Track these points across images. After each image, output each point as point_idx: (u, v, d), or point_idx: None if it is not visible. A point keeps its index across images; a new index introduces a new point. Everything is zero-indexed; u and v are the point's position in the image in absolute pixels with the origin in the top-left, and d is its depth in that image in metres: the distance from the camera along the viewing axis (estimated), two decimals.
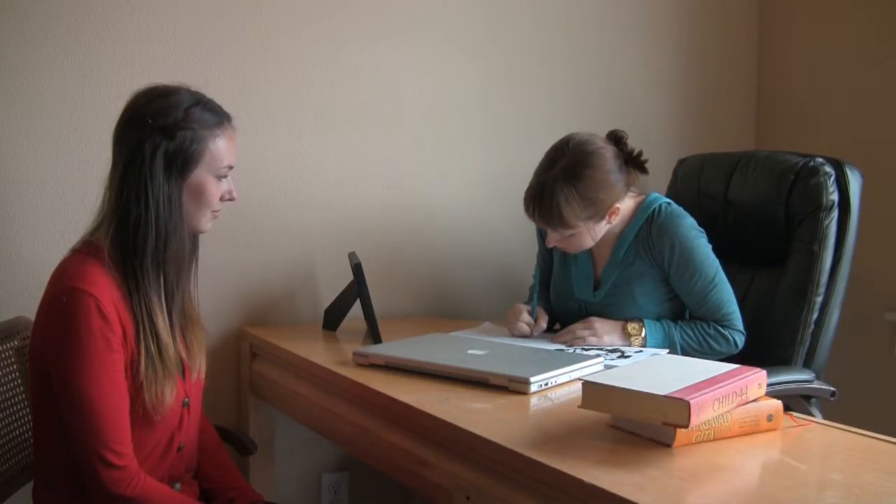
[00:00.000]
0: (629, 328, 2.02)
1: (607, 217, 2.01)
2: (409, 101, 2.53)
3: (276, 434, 2.34)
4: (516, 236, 2.59)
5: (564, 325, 2.13)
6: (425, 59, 2.55)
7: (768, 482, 1.23)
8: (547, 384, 1.61)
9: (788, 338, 2.12)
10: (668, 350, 1.99)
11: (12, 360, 1.80)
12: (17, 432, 1.77)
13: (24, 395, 1.79)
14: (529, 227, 2.29)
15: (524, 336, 2.10)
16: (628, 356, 1.89)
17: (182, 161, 1.51)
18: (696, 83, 2.96)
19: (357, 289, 2.12)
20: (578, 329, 2.03)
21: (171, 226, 1.50)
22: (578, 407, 1.34)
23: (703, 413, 1.25)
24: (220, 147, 1.55)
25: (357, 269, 2.09)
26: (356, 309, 2.17)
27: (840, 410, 1.99)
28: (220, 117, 1.57)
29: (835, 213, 2.14)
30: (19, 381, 1.80)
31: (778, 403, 1.39)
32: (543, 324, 2.12)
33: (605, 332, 2.02)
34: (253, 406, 2.28)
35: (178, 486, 1.60)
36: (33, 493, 1.58)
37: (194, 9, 2.24)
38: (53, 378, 1.45)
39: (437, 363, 1.70)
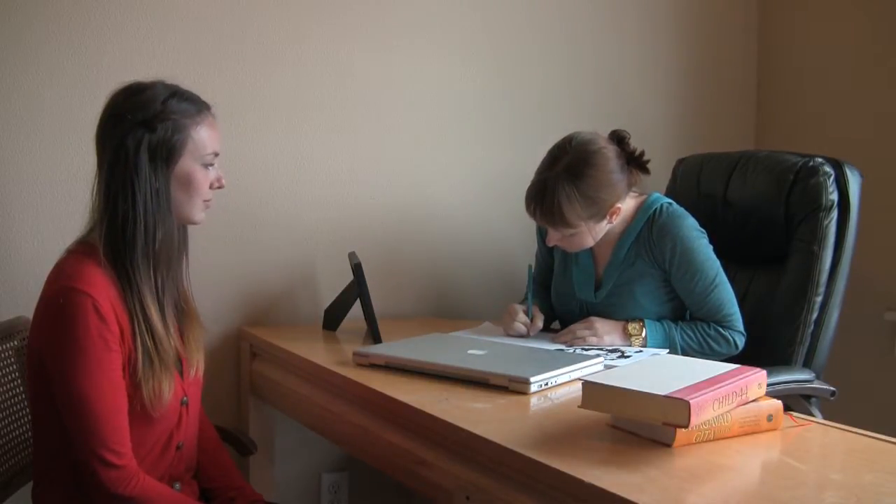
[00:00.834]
0: (629, 328, 2.02)
1: (608, 217, 2.01)
2: (409, 102, 2.53)
3: (276, 434, 2.34)
4: (516, 236, 2.59)
5: (565, 325, 2.13)
6: (425, 59, 2.55)
7: (768, 482, 1.23)
8: (547, 384, 1.61)
9: (788, 338, 2.12)
10: (668, 350, 1.99)
11: (12, 360, 1.80)
12: (17, 432, 1.77)
13: (23, 395, 1.79)
14: (529, 227, 2.29)
15: (520, 336, 2.10)
16: (628, 356, 1.89)
17: (166, 151, 1.51)
18: (695, 83, 2.96)
19: (357, 289, 2.12)
20: (579, 329, 2.03)
21: (159, 218, 1.51)
22: (578, 407, 1.34)
23: (703, 413, 1.25)
24: (203, 134, 1.55)
25: (357, 269, 2.09)
26: (356, 309, 2.17)
27: (840, 410, 1.99)
28: (199, 105, 1.57)
29: (834, 213, 2.14)
30: (19, 381, 1.80)
31: (778, 403, 1.39)
32: (539, 323, 2.12)
33: (606, 332, 2.02)
34: (253, 406, 2.28)
35: (177, 485, 1.60)
36: (33, 493, 1.58)
37: (194, 9, 2.24)
38: (52, 378, 1.45)
39: (437, 363, 1.70)
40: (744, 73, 3.05)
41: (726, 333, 2.02)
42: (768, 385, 1.42)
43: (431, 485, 1.47)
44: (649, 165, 2.05)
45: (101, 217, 1.51)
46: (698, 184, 2.40)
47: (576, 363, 1.70)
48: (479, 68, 2.63)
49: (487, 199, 2.64)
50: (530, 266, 2.21)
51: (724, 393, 1.30)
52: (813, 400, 2.06)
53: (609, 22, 2.82)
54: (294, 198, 2.39)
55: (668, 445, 1.27)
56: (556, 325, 2.26)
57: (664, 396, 1.24)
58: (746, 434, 1.34)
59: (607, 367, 1.73)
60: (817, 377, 2.08)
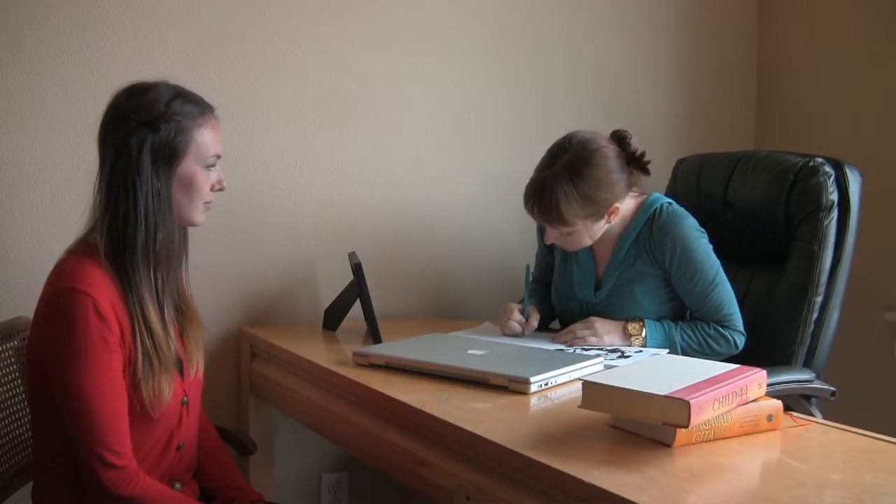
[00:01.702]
0: (629, 328, 2.02)
1: (606, 216, 2.01)
2: (409, 102, 2.53)
3: (276, 434, 2.34)
4: (516, 236, 2.59)
5: (565, 325, 2.13)
6: (425, 59, 2.55)
7: (768, 482, 1.23)
8: (547, 384, 1.61)
9: (788, 338, 2.12)
10: (668, 350, 1.99)
11: (12, 360, 1.80)
12: (17, 432, 1.77)
13: (23, 395, 1.79)
14: (530, 228, 2.29)
15: (516, 335, 2.10)
16: (628, 356, 1.89)
17: (169, 153, 1.51)
18: (695, 83, 2.96)
19: (357, 289, 2.12)
20: (579, 329, 2.03)
21: (160, 218, 1.51)
22: (578, 407, 1.34)
23: (703, 413, 1.25)
24: (206, 137, 1.55)
25: (357, 269, 2.09)
26: (356, 309, 2.17)
27: (840, 410, 1.99)
28: (203, 107, 1.57)
29: (834, 213, 2.14)
30: (19, 381, 1.80)
31: (778, 403, 1.39)
32: (534, 323, 2.12)
33: (606, 332, 2.02)
34: (253, 406, 2.27)
35: (178, 486, 1.60)
36: (33, 494, 1.58)
37: (195, 9, 2.24)
38: (52, 379, 1.45)
39: (437, 363, 1.70)
40: (744, 73, 3.05)
41: (726, 333, 2.02)
42: (768, 385, 1.42)
43: (431, 485, 1.47)
44: (649, 166, 2.05)
45: (102, 217, 1.51)
46: (698, 184, 2.40)
47: (576, 363, 1.70)
48: (479, 68, 2.63)
49: (487, 199, 2.64)
50: (528, 265, 2.21)
51: (724, 393, 1.30)
52: (813, 400, 2.06)
53: (609, 22, 2.82)
54: (294, 198, 2.39)
55: (668, 445, 1.27)
56: (555, 324, 2.26)
57: (664, 396, 1.24)
58: (746, 434, 1.34)
59: (607, 367, 1.73)
60: (817, 377, 2.08)
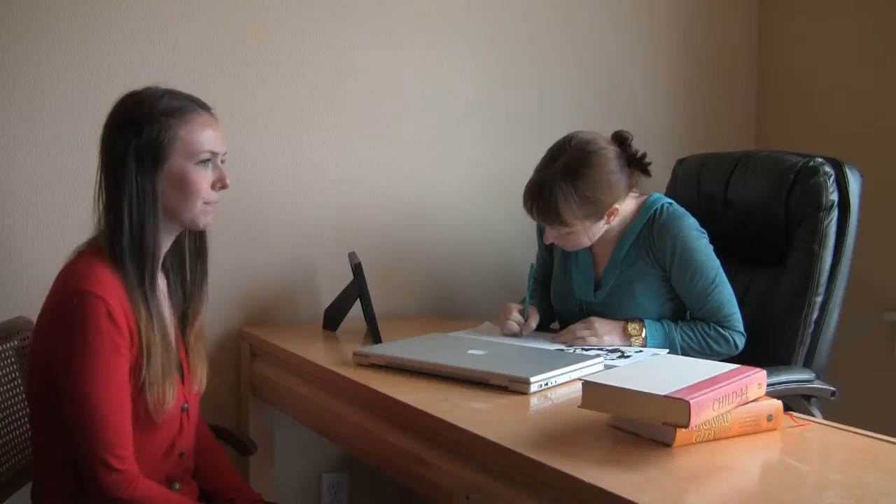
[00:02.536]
0: (629, 328, 2.02)
1: (606, 217, 2.01)
2: (409, 102, 2.54)
3: (276, 434, 2.34)
4: (516, 236, 2.59)
5: (565, 325, 2.13)
6: (425, 59, 2.55)
7: (768, 482, 1.23)
8: (547, 384, 1.61)
9: (788, 338, 2.12)
10: (668, 350, 1.99)
11: (12, 360, 1.80)
12: (17, 432, 1.77)
13: (23, 395, 1.79)
14: (530, 227, 2.29)
15: (514, 335, 2.10)
16: (628, 356, 1.89)
17: (152, 152, 1.49)
18: (695, 83, 2.96)
19: (357, 289, 2.12)
20: (578, 329, 2.03)
21: (145, 219, 1.49)
22: (578, 407, 1.34)
23: (703, 413, 1.25)
24: (193, 133, 1.52)
25: (357, 269, 2.09)
26: (356, 309, 2.17)
27: (840, 410, 1.99)
28: (189, 104, 1.54)
29: (835, 213, 2.14)
30: (19, 381, 1.80)
31: (778, 403, 1.39)
32: (533, 323, 2.12)
33: (606, 332, 2.02)
34: (253, 406, 2.27)
35: (176, 486, 1.60)
36: (33, 494, 1.58)
37: (195, 9, 2.24)
38: (58, 381, 1.44)
39: (437, 363, 1.70)
40: (744, 73, 3.05)
41: (726, 334, 2.02)
42: (768, 385, 1.42)
43: (431, 485, 1.47)
44: (650, 167, 2.05)
45: (102, 220, 1.52)
46: (698, 184, 2.40)
47: (576, 363, 1.70)
48: (478, 69, 2.63)
49: (487, 198, 2.64)
50: (532, 265, 2.21)
51: (724, 393, 1.30)
52: (813, 400, 2.06)
53: (609, 22, 2.82)
54: (294, 198, 2.39)
55: (668, 445, 1.27)
56: (555, 325, 2.26)
57: (664, 396, 1.24)
58: (746, 434, 1.34)
59: (607, 367, 1.73)
60: (817, 377, 2.08)
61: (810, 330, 2.12)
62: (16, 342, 1.82)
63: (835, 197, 2.14)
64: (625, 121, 2.23)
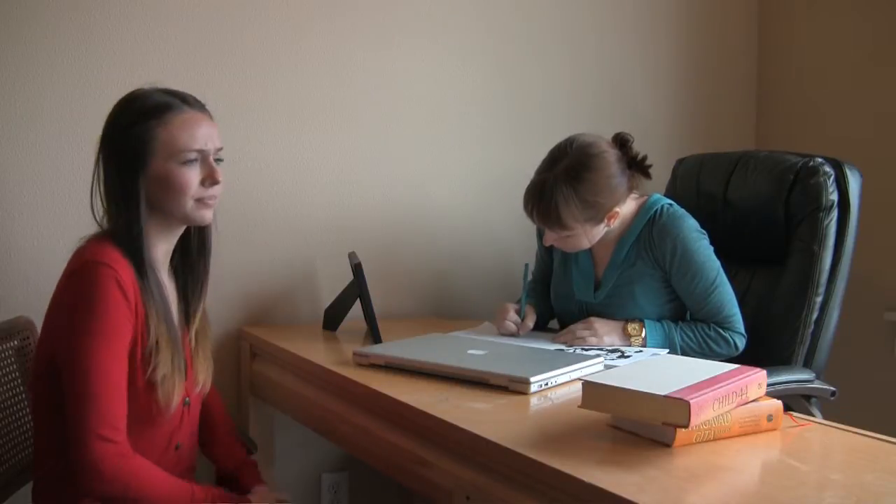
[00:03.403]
0: (629, 328, 2.02)
1: (606, 220, 2.01)
2: (409, 102, 2.53)
3: (276, 434, 2.34)
4: (516, 236, 2.59)
5: (565, 325, 2.13)
6: (425, 59, 2.55)
7: (768, 482, 1.23)
8: (547, 384, 1.61)
9: (788, 338, 2.12)
10: (668, 350, 1.99)
11: (12, 360, 1.80)
12: (17, 432, 1.77)
13: (24, 395, 1.79)
14: (529, 228, 2.29)
15: (511, 335, 2.10)
16: (628, 356, 1.89)
17: (131, 157, 1.50)
18: (695, 83, 2.96)
19: (357, 289, 2.12)
20: (578, 329, 2.03)
21: (131, 220, 1.50)
22: (578, 407, 1.34)
23: (703, 413, 1.25)
24: (173, 132, 1.51)
25: (357, 269, 2.09)
26: (356, 309, 2.17)
27: (840, 410, 1.99)
28: (173, 102, 1.53)
29: (834, 213, 2.14)
30: (19, 381, 1.80)
31: (778, 403, 1.39)
32: (530, 323, 2.12)
33: (605, 332, 2.02)
34: (253, 406, 2.27)
35: None
36: (33, 494, 1.58)
37: (194, 10, 2.24)
38: (61, 352, 1.44)
39: (437, 363, 1.70)
40: (744, 73, 3.05)
41: (726, 335, 2.02)
42: (768, 385, 1.42)
43: (431, 485, 1.47)
44: (650, 169, 2.04)
45: (102, 217, 1.55)
46: (698, 184, 2.40)
47: (576, 363, 1.70)
48: (479, 68, 2.63)
49: (487, 199, 2.64)
50: (527, 265, 2.21)
51: (724, 393, 1.30)
52: (813, 400, 2.06)
53: (609, 22, 2.82)
54: (294, 198, 2.39)
55: (668, 445, 1.27)
56: (554, 324, 2.26)
57: (664, 396, 1.24)
58: (746, 434, 1.34)
59: (607, 367, 1.73)
60: (817, 377, 2.08)
61: (810, 330, 2.12)
62: (16, 342, 1.82)
63: (835, 197, 2.14)
64: (625, 121, 2.23)
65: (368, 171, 2.48)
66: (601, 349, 1.95)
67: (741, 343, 2.03)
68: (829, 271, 2.13)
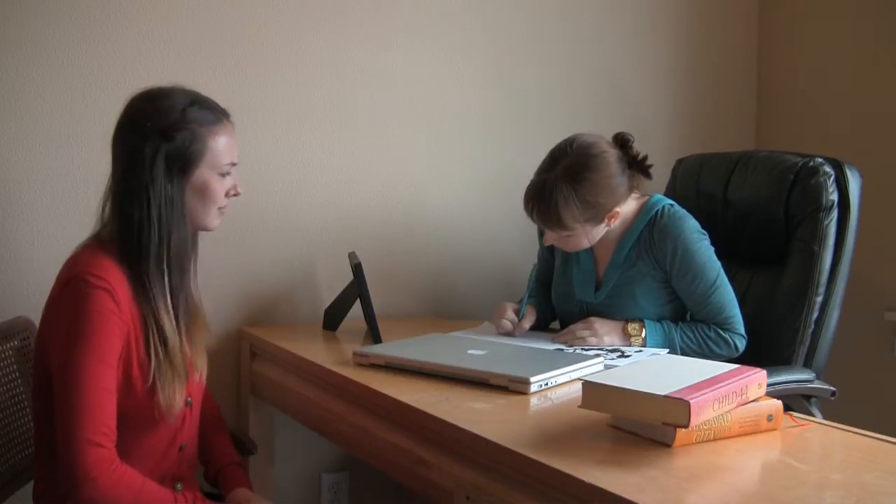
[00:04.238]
0: (629, 328, 2.02)
1: (606, 220, 2.01)
2: (409, 102, 2.53)
3: (276, 434, 2.34)
4: (516, 236, 2.59)
5: (565, 325, 2.13)
6: (425, 59, 2.55)
7: (768, 482, 1.23)
8: (547, 384, 1.61)
9: (788, 338, 2.12)
10: (668, 350, 1.98)
11: (12, 360, 1.80)
12: (17, 432, 1.77)
13: (24, 395, 1.79)
14: (529, 228, 2.29)
15: (506, 333, 2.10)
16: (628, 356, 1.89)
17: (183, 161, 1.52)
18: (695, 83, 2.96)
19: (357, 289, 2.12)
20: (578, 329, 2.03)
21: (173, 227, 1.52)
22: (578, 407, 1.34)
23: (703, 413, 1.25)
24: (221, 144, 1.56)
25: (357, 269, 2.09)
26: (356, 309, 2.17)
27: (840, 410, 1.99)
28: (218, 114, 1.58)
29: (834, 213, 2.14)
30: (19, 381, 1.80)
31: (778, 403, 1.39)
32: (526, 324, 2.12)
33: (605, 332, 2.01)
34: (253, 406, 2.27)
35: (179, 486, 1.60)
36: (33, 493, 1.58)
37: (194, 10, 2.24)
38: (53, 360, 1.44)
39: (437, 363, 1.70)
40: (744, 73, 3.05)
41: (726, 336, 2.02)
42: (768, 385, 1.42)
43: (431, 485, 1.47)
44: (650, 169, 2.04)
45: (115, 222, 1.52)
46: (698, 184, 2.40)
47: (576, 363, 1.70)
48: (479, 68, 2.63)
49: (487, 199, 2.64)
50: (535, 265, 2.21)
51: (724, 393, 1.30)
52: (813, 400, 2.06)
53: (609, 22, 2.82)
54: (294, 198, 2.39)
55: (668, 445, 1.27)
56: (555, 325, 2.26)
57: (664, 396, 1.24)
58: (746, 434, 1.34)
59: (607, 367, 1.73)
60: (817, 377, 2.08)
61: (810, 330, 2.12)
62: (16, 342, 1.82)
63: (835, 197, 2.14)
64: (625, 121, 2.23)
65: (368, 171, 2.48)
66: (601, 349, 1.95)
67: (741, 344, 2.03)
68: (830, 271, 2.13)
